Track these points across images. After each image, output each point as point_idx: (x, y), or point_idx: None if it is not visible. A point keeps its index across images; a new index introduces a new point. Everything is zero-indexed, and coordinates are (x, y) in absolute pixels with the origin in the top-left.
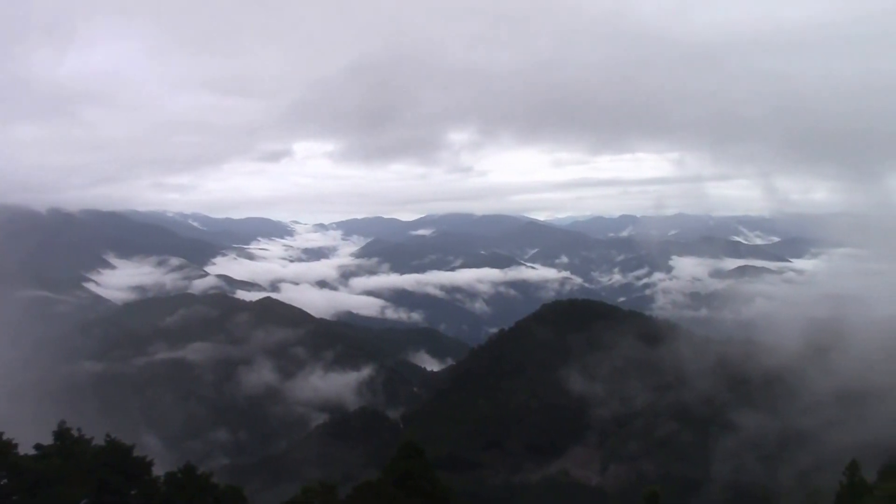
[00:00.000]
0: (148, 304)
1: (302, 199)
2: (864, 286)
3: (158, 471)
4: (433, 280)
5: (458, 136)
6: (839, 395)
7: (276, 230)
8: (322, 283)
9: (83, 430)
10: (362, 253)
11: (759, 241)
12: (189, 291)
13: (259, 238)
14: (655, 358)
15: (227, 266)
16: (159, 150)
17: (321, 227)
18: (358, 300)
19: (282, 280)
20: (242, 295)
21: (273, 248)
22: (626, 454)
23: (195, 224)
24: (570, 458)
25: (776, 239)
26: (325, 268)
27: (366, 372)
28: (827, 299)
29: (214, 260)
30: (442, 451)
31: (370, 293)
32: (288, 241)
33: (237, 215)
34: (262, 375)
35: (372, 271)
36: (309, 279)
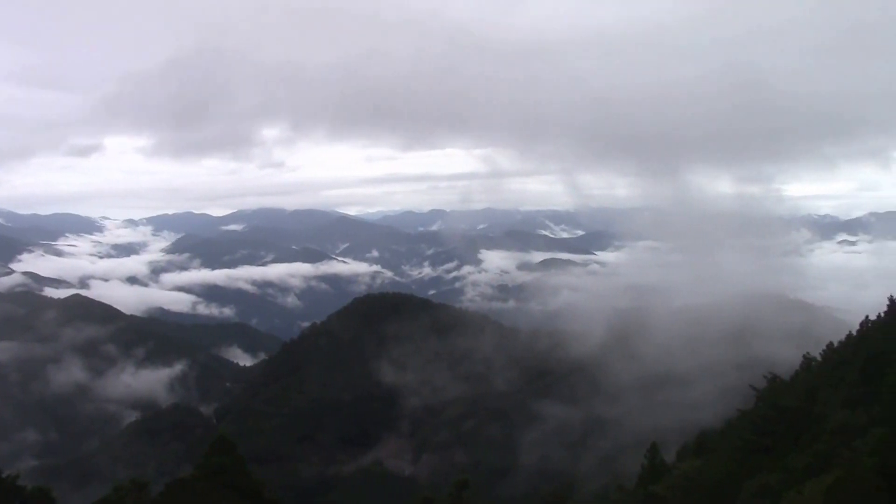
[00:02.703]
0: None
1: (112, 194)
2: (663, 277)
3: None
4: (245, 275)
5: (270, 132)
6: (641, 381)
7: (85, 226)
8: (132, 280)
9: None
10: (173, 248)
11: (564, 235)
12: None
13: (67, 234)
14: (465, 349)
15: (33, 263)
16: None
17: (131, 223)
18: (169, 296)
19: (91, 277)
20: (50, 292)
21: (82, 244)
22: (437, 444)
23: None
24: (383, 448)
25: (581, 232)
26: (136, 264)
27: (178, 368)
28: (629, 290)
29: (20, 257)
30: (256, 446)
31: (181, 289)
32: (97, 237)
33: (44, 211)
34: (71, 374)
35: (183, 267)
36: (119, 275)
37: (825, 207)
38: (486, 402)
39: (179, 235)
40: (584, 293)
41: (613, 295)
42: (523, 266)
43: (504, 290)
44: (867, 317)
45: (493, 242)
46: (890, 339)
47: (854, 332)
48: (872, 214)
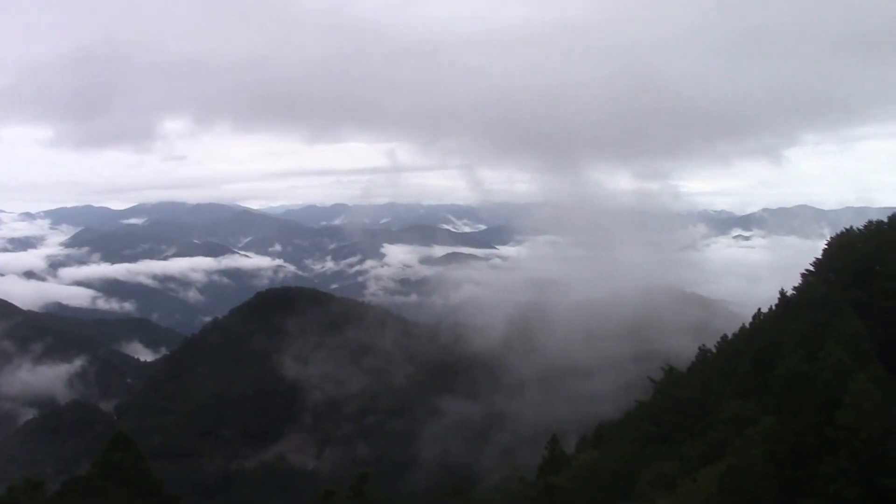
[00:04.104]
0: None
1: (8, 186)
2: (563, 271)
3: None
4: (145, 269)
5: (173, 125)
6: (541, 374)
7: None
8: (29, 274)
9: None
10: (72, 242)
11: (466, 229)
12: None
13: None
14: (368, 343)
15: None
16: None
17: (28, 216)
18: (68, 291)
19: None
20: None
21: None
22: (340, 438)
23: None
24: (285, 443)
25: (483, 227)
26: (33, 258)
27: (77, 364)
28: (530, 284)
29: None
30: (157, 442)
31: (80, 283)
32: None
33: None
34: None
35: (82, 261)
36: (15, 270)
37: (720, 203)
38: (388, 396)
39: (78, 229)
40: (486, 287)
41: (514, 289)
42: (426, 260)
43: (406, 284)
44: (759, 309)
45: (396, 237)
46: (780, 331)
47: (747, 325)
48: (766, 210)
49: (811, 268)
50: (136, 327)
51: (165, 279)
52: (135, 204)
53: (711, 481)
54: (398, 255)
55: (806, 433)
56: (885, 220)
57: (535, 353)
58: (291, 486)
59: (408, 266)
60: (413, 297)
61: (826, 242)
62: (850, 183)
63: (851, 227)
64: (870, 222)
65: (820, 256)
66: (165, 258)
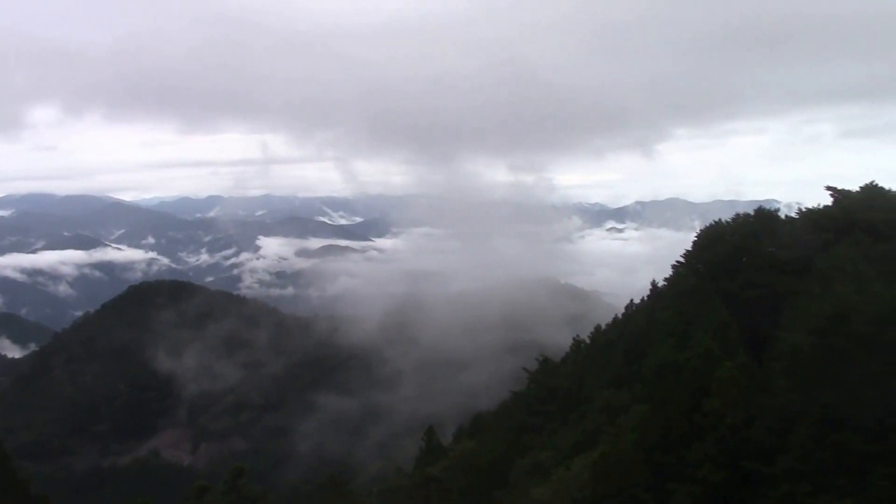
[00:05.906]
0: None
1: None
2: (439, 263)
3: None
4: (13, 263)
5: (43, 114)
6: (418, 366)
7: None
8: None
9: None
10: None
11: (343, 222)
12: None
13: None
14: (243, 336)
15: None
16: None
17: None
18: None
19: None
20: None
21: None
22: (215, 433)
23: None
24: (160, 438)
25: (359, 219)
26: None
27: None
28: (407, 276)
29: None
30: (25, 440)
31: None
32: None
33: None
34: None
35: None
36: None
37: (595, 196)
38: (264, 391)
39: None
40: (363, 279)
41: (391, 281)
42: (301, 252)
43: (282, 276)
44: (632, 300)
45: (271, 229)
46: (652, 322)
47: (620, 316)
48: (639, 203)
49: (682, 259)
50: (3, 323)
51: (34, 273)
52: (1, 195)
53: (585, 469)
54: (274, 247)
55: (676, 420)
56: (752, 213)
57: (411, 346)
58: (166, 481)
59: (283, 259)
60: (289, 290)
61: (696, 234)
62: (719, 177)
63: (720, 219)
64: (737, 215)
65: (690, 248)
66: (34, 251)
